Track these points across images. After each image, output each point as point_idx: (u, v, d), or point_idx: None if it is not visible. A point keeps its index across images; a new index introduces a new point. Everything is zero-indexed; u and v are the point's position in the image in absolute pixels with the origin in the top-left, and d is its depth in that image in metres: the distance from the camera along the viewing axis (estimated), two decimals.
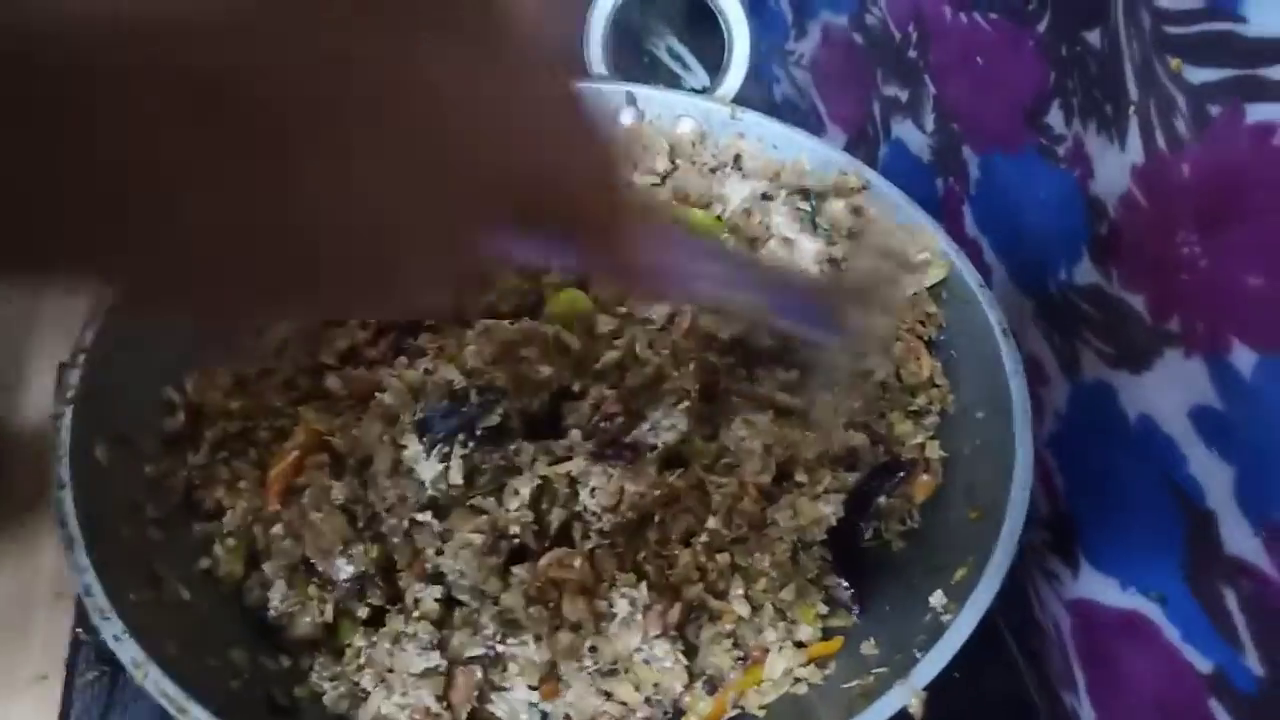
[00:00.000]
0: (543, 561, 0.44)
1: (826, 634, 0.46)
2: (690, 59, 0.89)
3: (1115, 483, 0.48)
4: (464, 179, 0.22)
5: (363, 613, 0.45)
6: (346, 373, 0.51)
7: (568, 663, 0.43)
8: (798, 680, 0.44)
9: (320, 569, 0.44)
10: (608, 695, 0.43)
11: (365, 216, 0.21)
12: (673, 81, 0.88)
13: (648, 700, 0.44)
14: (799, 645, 0.46)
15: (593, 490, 0.46)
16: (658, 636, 0.43)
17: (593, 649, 0.43)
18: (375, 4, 0.19)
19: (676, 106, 0.65)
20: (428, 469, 0.45)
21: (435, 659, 0.42)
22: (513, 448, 0.46)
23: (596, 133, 0.25)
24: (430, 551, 0.45)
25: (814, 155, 0.61)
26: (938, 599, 0.42)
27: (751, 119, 0.64)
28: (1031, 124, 0.53)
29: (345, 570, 0.44)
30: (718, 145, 0.64)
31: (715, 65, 0.82)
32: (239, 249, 0.20)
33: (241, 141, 0.18)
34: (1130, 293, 0.46)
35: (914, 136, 0.68)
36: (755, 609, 0.45)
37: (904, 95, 0.68)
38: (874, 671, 0.41)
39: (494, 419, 0.46)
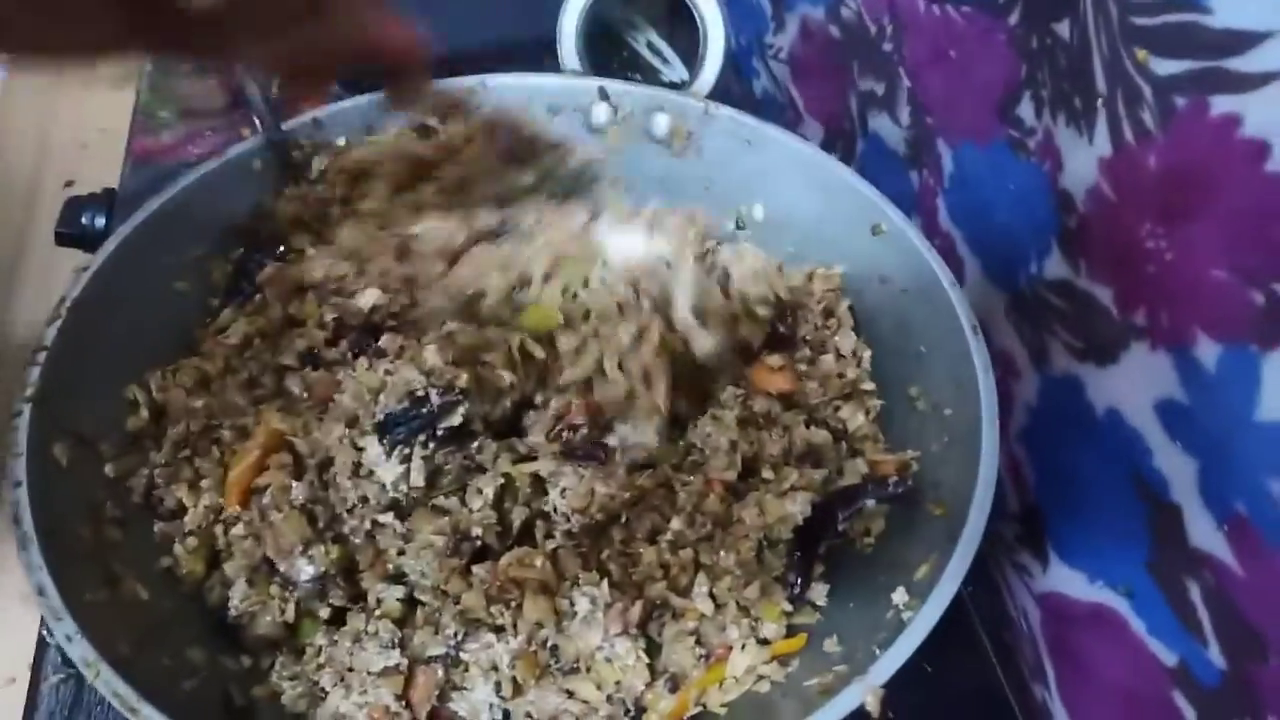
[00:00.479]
0: (503, 561, 0.44)
1: (791, 631, 0.46)
2: (669, 53, 0.89)
3: (1083, 476, 0.48)
4: None
5: (324, 612, 0.45)
6: (307, 374, 0.51)
7: (529, 663, 0.43)
8: (760, 678, 0.44)
9: (281, 569, 0.44)
10: (569, 694, 0.43)
11: None
12: (652, 76, 0.87)
13: (609, 698, 0.43)
14: (763, 643, 0.45)
15: (563, 491, 0.45)
16: (619, 634, 0.43)
17: (554, 648, 0.43)
18: None
19: (650, 102, 0.64)
20: (388, 471, 0.44)
21: (395, 657, 0.42)
22: (475, 445, 0.46)
23: None
24: (392, 552, 0.44)
25: (786, 153, 0.61)
26: (900, 596, 0.42)
27: (726, 114, 0.63)
28: (1003, 117, 0.53)
29: (306, 571, 0.44)
30: None
31: (695, 59, 0.81)
32: None
33: None
34: (1098, 285, 0.46)
35: (890, 130, 0.67)
36: (719, 607, 0.45)
37: (880, 89, 0.68)
38: (834, 669, 0.41)
39: (455, 419, 0.45)
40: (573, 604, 0.44)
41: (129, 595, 0.43)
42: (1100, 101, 0.44)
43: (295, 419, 0.48)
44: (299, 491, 0.45)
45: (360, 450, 0.45)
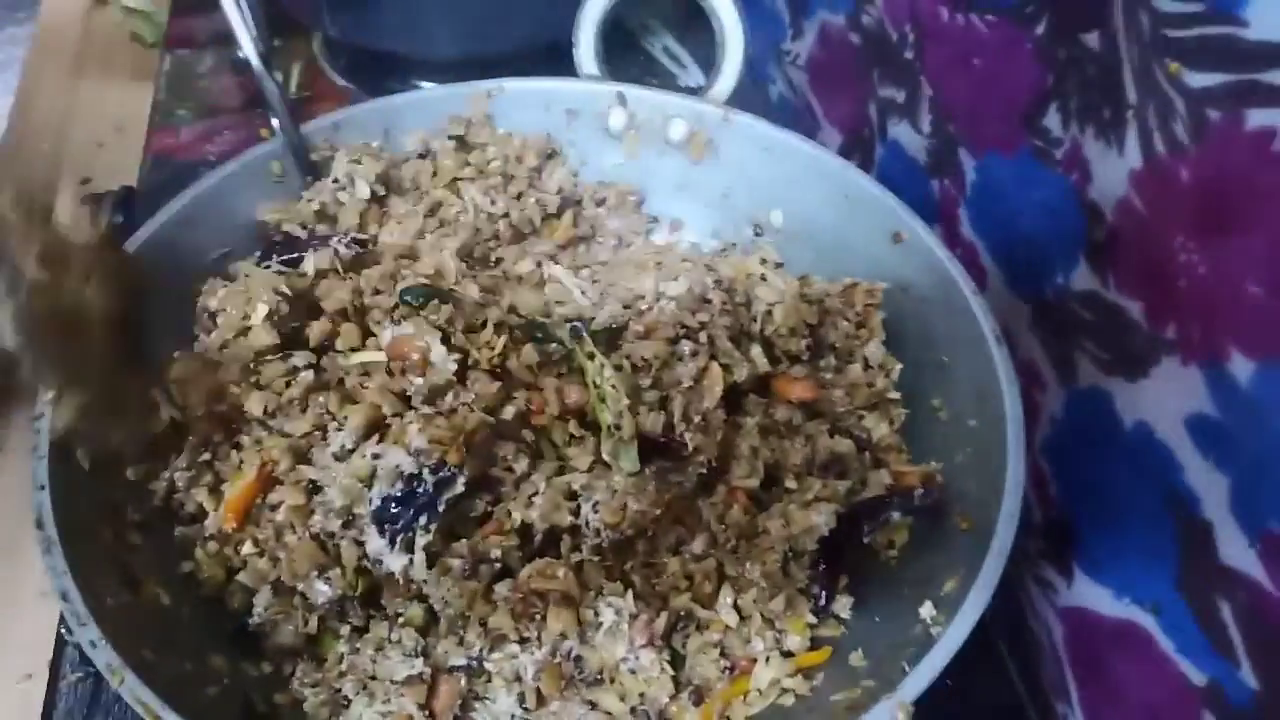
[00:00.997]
0: (524, 573, 0.43)
1: (815, 644, 0.46)
2: (687, 58, 0.89)
3: (1110, 491, 0.48)
4: None
5: (344, 630, 0.44)
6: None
7: (553, 675, 0.42)
8: (785, 691, 0.44)
9: (299, 588, 0.44)
10: (592, 705, 0.43)
11: None
12: (669, 81, 0.87)
13: (633, 710, 0.43)
14: (787, 655, 0.45)
15: (595, 505, 0.45)
16: (644, 646, 0.43)
17: (578, 659, 0.43)
18: None
19: (668, 108, 0.64)
20: (395, 561, 0.43)
21: (419, 666, 0.42)
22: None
23: None
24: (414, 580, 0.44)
25: (805, 160, 0.60)
26: (927, 610, 0.42)
27: (744, 121, 0.63)
28: (1028, 126, 0.53)
29: (323, 593, 0.43)
30: None
31: (712, 65, 0.81)
32: None
33: None
34: (1127, 299, 0.45)
35: (910, 138, 0.67)
36: (743, 619, 0.45)
37: (900, 96, 0.67)
38: (862, 684, 0.41)
39: (458, 488, 0.43)
40: (597, 614, 0.43)
41: (150, 600, 0.43)
42: (1130, 113, 0.44)
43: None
44: (315, 521, 0.44)
45: (362, 545, 0.44)
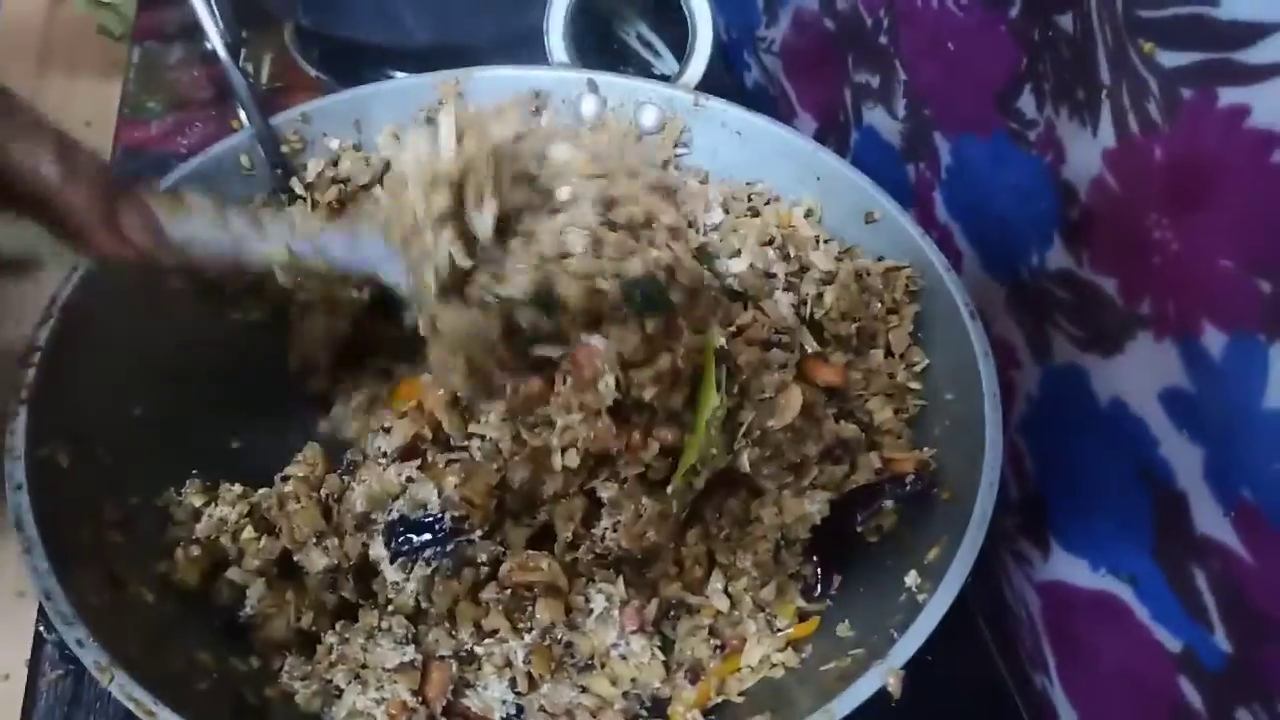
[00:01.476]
0: (505, 567, 0.43)
1: (802, 616, 0.46)
2: (660, 45, 0.89)
3: (1086, 465, 0.49)
4: None
5: (330, 602, 0.44)
6: None
7: (543, 657, 0.43)
8: (775, 665, 0.44)
9: (296, 559, 0.43)
10: (583, 689, 0.43)
11: None
12: (642, 69, 0.87)
13: (625, 694, 0.43)
14: (775, 630, 0.45)
15: (616, 524, 0.44)
16: (634, 632, 0.43)
17: (569, 644, 0.43)
18: None
19: (639, 94, 0.64)
20: (392, 573, 0.44)
21: (410, 653, 0.42)
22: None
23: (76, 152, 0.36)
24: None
25: (776, 143, 0.61)
26: (912, 579, 0.42)
27: (716, 105, 0.63)
28: (1002, 109, 0.53)
29: (320, 562, 0.43)
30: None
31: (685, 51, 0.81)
32: None
33: None
34: (1102, 276, 0.46)
35: (885, 122, 0.67)
36: (734, 604, 0.45)
37: (875, 81, 0.68)
38: (850, 653, 0.41)
39: (469, 546, 0.44)
40: (588, 601, 0.43)
41: (134, 598, 0.42)
42: (1104, 93, 0.44)
43: None
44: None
45: (366, 546, 0.44)
